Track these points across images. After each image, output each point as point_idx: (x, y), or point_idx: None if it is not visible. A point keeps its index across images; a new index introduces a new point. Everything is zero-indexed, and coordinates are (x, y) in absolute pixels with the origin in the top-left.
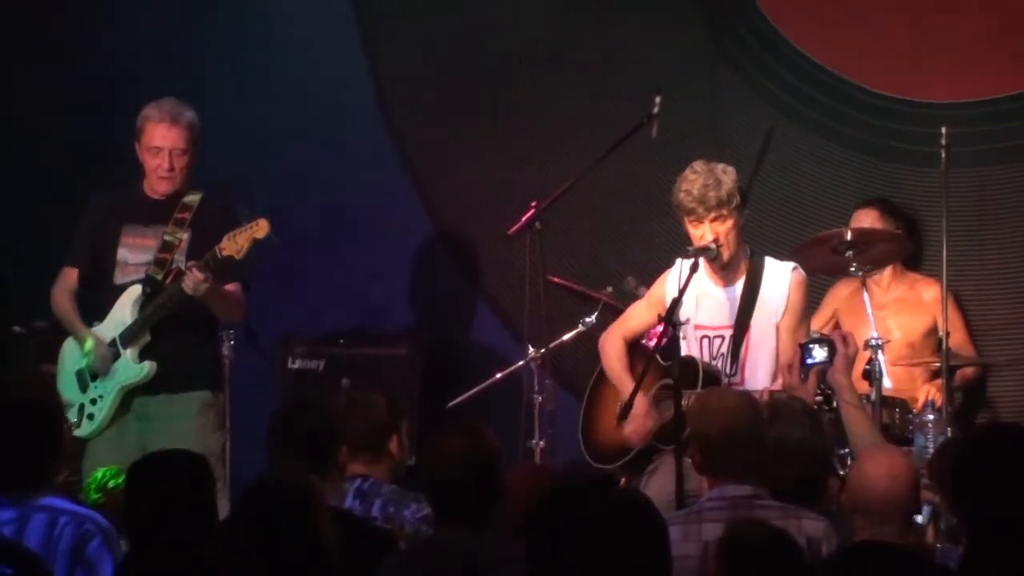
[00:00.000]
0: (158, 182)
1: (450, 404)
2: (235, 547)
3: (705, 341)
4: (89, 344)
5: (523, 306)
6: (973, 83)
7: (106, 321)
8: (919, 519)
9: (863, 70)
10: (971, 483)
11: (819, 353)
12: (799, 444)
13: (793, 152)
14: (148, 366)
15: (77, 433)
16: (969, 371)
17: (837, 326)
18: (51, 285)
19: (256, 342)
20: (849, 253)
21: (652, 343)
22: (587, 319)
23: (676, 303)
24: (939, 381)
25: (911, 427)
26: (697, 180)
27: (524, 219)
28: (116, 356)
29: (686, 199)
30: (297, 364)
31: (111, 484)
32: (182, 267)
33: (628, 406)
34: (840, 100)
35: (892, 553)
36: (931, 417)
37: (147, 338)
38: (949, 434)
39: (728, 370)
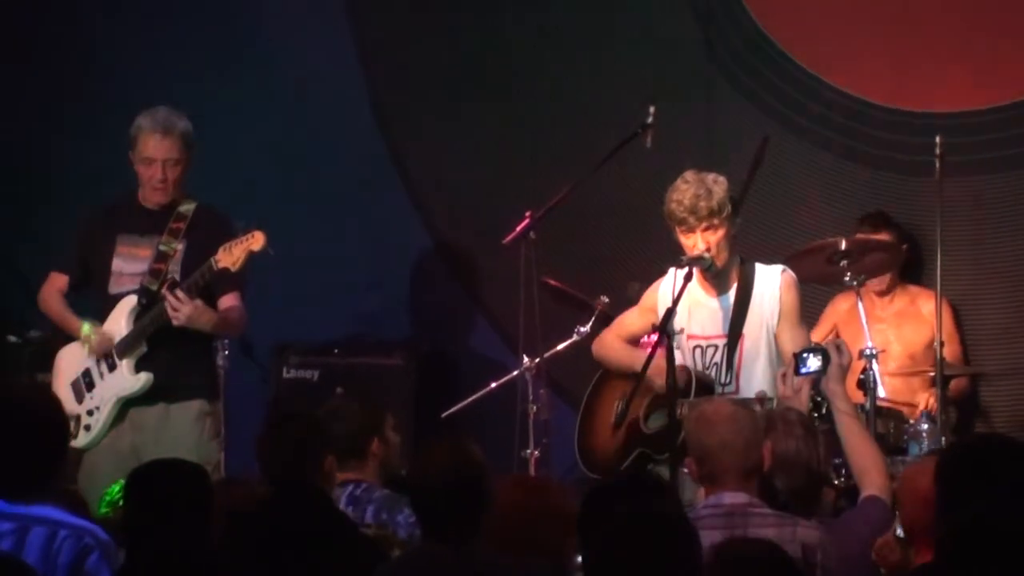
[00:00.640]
0: (151, 192)
1: (445, 413)
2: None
3: (698, 351)
4: (86, 328)
5: (518, 315)
6: (968, 93)
7: (101, 331)
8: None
9: (858, 80)
10: (954, 494)
11: (813, 362)
12: (793, 455)
13: (787, 162)
14: (145, 377)
15: (74, 444)
16: (962, 383)
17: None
18: None
19: (251, 352)
20: (843, 263)
21: (649, 350)
22: (582, 328)
23: (670, 313)
24: (935, 391)
25: (906, 437)
26: (688, 190)
27: (519, 229)
28: (112, 368)
29: (677, 209)
30: (292, 374)
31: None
32: (176, 277)
33: (624, 412)
34: (834, 110)
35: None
36: (926, 427)
37: (143, 349)
38: (943, 444)
39: (723, 379)
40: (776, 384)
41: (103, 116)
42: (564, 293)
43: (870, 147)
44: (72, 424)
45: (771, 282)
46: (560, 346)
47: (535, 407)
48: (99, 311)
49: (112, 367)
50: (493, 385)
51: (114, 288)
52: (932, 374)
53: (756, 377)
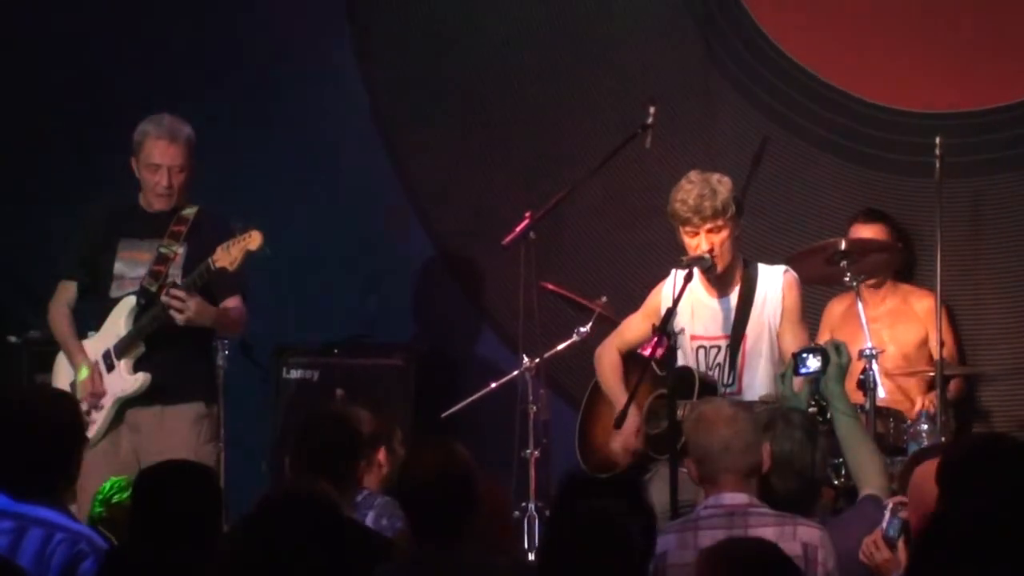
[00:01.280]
0: (156, 199)
1: (445, 414)
2: (243, 560)
3: (701, 351)
4: (83, 374)
5: (517, 316)
6: (968, 93)
7: (100, 333)
8: (891, 532)
9: (858, 80)
10: (954, 490)
11: (813, 363)
12: (786, 458)
13: (787, 162)
14: (143, 377)
15: None
16: (959, 383)
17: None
18: (46, 295)
19: (250, 353)
20: (843, 263)
21: (648, 352)
22: (581, 328)
23: (670, 313)
24: (933, 392)
25: (905, 437)
26: (693, 190)
27: (518, 229)
28: (111, 368)
29: (681, 209)
30: (292, 375)
31: (115, 499)
32: (177, 280)
33: (624, 414)
34: (835, 111)
35: None
36: (925, 427)
37: (141, 349)
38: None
39: (725, 380)
40: (776, 384)
41: (103, 117)
42: (563, 298)
43: (870, 147)
44: None
45: (774, 283)
46: (560, 346)
47: (535, 407)
48: (99, 313)
49: (111, 367)
50: (493, 385)
51: (115, 292)
52: (931, 374)
53: (758, 378)
